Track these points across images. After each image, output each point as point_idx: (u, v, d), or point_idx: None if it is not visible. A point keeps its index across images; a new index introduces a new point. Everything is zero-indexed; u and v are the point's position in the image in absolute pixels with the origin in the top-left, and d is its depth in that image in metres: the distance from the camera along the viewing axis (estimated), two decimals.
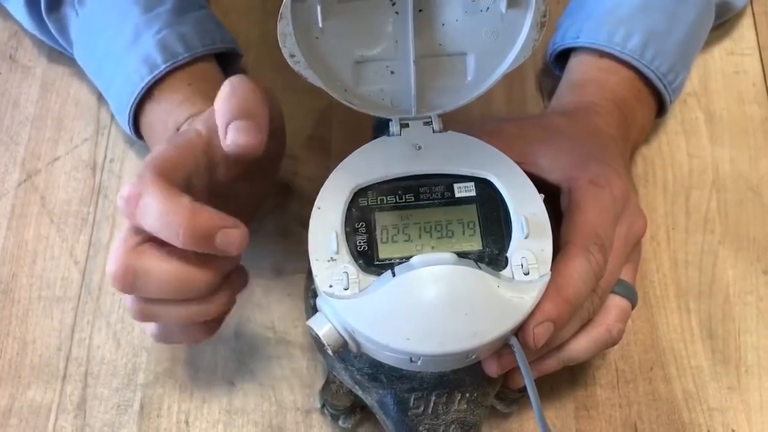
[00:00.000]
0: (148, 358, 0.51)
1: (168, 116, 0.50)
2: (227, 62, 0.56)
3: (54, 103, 0.59)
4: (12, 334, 0.51)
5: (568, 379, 0.50)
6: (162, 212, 0.36)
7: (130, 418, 0.49)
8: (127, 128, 0.53)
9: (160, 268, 0.37)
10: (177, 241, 0.36)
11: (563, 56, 0.55)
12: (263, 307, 0.52)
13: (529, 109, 0.59)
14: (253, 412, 0.49)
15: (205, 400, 0.49)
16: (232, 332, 0.51)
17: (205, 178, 0.40)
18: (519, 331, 0.38)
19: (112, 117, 0.58)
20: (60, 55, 0.60)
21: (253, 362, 0.51)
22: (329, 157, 0.57)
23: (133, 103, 0.51)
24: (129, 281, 0.37)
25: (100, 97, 0.59)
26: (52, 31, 0.56)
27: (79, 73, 0.59)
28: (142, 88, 0.50)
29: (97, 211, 0.55)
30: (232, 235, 0.37)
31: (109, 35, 0.53)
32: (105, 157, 0.57)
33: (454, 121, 0.44)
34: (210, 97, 0.42)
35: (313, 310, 0.41)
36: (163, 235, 0.37)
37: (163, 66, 0.50)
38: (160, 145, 0.40)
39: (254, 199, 0.48)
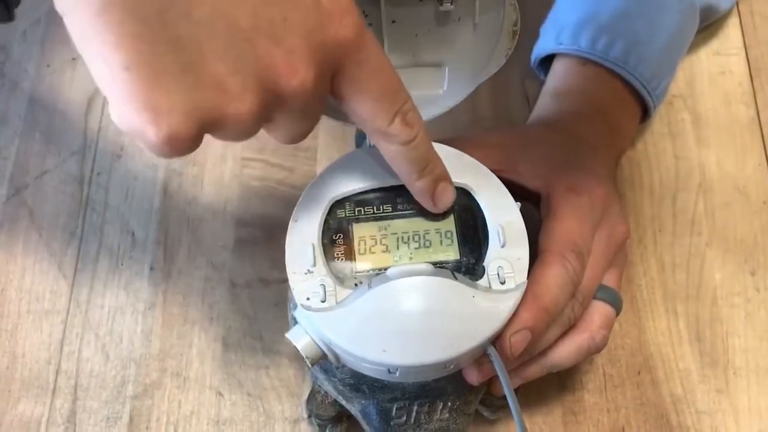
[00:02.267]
0: (136, 371, 0.51)
1: None
2: None
3: (42, 117, 0.59)
4: (1, 348, 0.52)
5: (555, 384, 0.50)
6: None
7: (119, 430, 0.49)
8: None
9: None
10: None
11: (547, 61, 0.55)
12: (250, 317, 0.52)
13: (515, 115, 0.59)
14: (241, 423, 0.49)
15: (194, 411, 0.50)
16: (219, 343, 0.52)
17: None
18: (496, 340, 0.38)
19: (99, 130, 0.58)
20: (48, 68, 0.60)
21: (241, 372, 0.51)
22: (316, 167, 0.57)
23: None
24: None
25: (88, 111, 0.59)
26: None
27: (67, 87, 0.60)
28: None
29: (85, 225, 0.55)
30: None
31: None
32: (92, 170, 0.57)
33: (438, 128, 0.44)
34: None
35: (294, 321, 0.41)
36: None
37: None
38: None
39: None
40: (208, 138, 0.61)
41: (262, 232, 0.55)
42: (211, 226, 0.55)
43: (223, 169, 0.57)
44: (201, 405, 0.50)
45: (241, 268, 0.54)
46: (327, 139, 0.58)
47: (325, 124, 0.58)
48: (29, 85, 0.61)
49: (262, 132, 0.58)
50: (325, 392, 0.45)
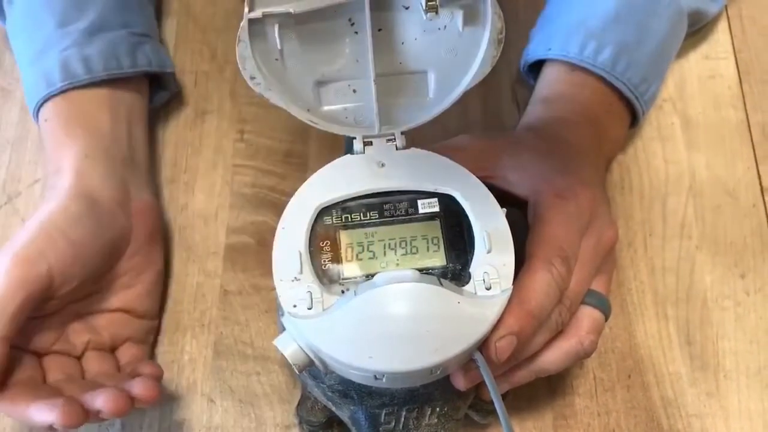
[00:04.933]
0: None
1: (50, 148, 0.51)
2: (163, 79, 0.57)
3: (34, 125, 0.59)
4: None
5: (546, 388, 0.50)
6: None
7: None
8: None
9: None
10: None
11: (537, 66, 0.56)
12: (241, 324, 0.52)
13: (505, 120, 0.59)
14: (233, 429, 0.50)
15: (185, 418, 0.50)
16: (211, 349, 0.52)
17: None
18: (482, 345, 0.38)
19: None
20: None
21: (232, 379, 0.51)
22: (307, 173, 0.57)
23: (34, 114, 0.52)
24: None
25: None
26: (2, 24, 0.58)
27: None
28: (38, 102, 0.51)
29: None
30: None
31: (23, 42, 0.54)
32: None
33: (428, 134, 0.44)
34: (88, 128, 0.49)
35: (282, 328, 0.41)
36: None
37: (60, 84, 0.50)
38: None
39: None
40: (200, 144, 0.61)
41: (254, 238, 0.55)
42: (202, 233, 0.55)
43: (214, 176, 0.57)
44: (192, 412, 0.50)
45: (232, 274, 0.54)
46: (318, 146, 0.58)
47: (316, 130, 0.58)
48: (21, 93, 0.61)
49: (254, 138, 0.59)
50: (315, 398, 0.46)
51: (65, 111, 0.51)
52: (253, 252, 0.55)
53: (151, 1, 0.60)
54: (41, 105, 0.51)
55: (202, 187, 0.57)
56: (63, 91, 0.51)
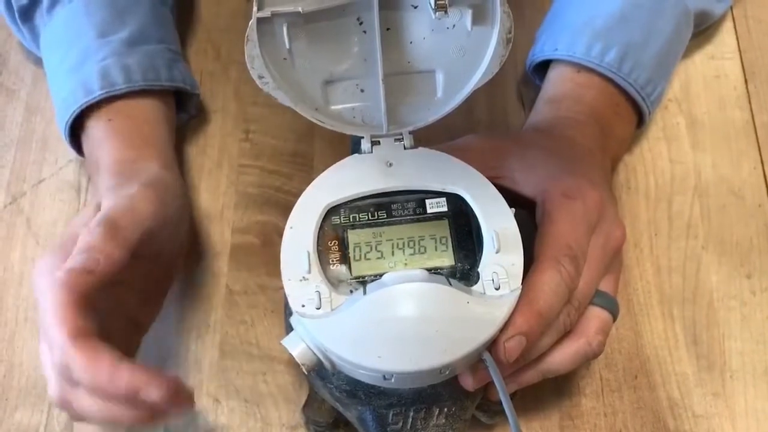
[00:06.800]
0: None
1: (93, 150, 0.51)
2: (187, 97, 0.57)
3: (38, 125, 0.60)
4: None
5: (552, 389, 0.50)
6: (84, 373, 0.38)
7: None
8: (67, 144, 0.54)
9: (93, 409, 0.40)
10: (103, 397, 0.39)
11: (543, 66, 0.56)
12: (247, 324, 0.52)
13: (511, 120, 0.59)
14: (238, 430, 0.49)
15: (192, 418, 0.50)
16: (216, 350, 0.52)
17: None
18: (491, 345, 0.38)
19: None
20: (44, 77, 0.60)
21: (237, 379, 0.51)
22: (312, 173, 0.57)
23: (67, 123, 0.52)
24: (69, 409, 0.41)
25: None
26: (28, 37, 0.57)
27: None
28: (74, 111, 0.51)
29: None
30: (154, 392, 0.38)
31: (61, 52, 0.53)
32: (89, 178, 0.57)
33: (434, 134, 0.45)
34: (129, 137, 0.49)
35: (289, 328, 0.41)
36: (89, 389, 0.39)
37: (99, 92, 0.50)
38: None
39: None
40: (205, 144, 0.61)
41: (259, 238, 0.55)
42: (207, 232, 0.55)
43: (219, 176, 0.57)
44: (198, 412, 0.50)
45: (238, 274, 0.54)
46: (323, 146, 0.58)
47: (322, 130, 0.58)
48: (26, 93, 0.61)
49: (259, 138, 0.59)
50: (322, 398, 0.45)
51: (103, 117, 0.51)
52: (259, 252, 0.55)
53: (174, 23, 0.60)
54: (77, 114, 0.51)
55: (208, 187, 0.57)
56: (100, 100, 0.51)
